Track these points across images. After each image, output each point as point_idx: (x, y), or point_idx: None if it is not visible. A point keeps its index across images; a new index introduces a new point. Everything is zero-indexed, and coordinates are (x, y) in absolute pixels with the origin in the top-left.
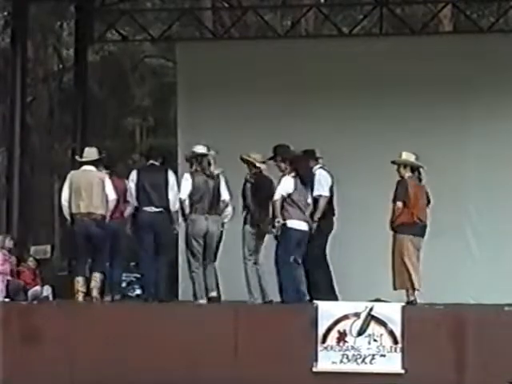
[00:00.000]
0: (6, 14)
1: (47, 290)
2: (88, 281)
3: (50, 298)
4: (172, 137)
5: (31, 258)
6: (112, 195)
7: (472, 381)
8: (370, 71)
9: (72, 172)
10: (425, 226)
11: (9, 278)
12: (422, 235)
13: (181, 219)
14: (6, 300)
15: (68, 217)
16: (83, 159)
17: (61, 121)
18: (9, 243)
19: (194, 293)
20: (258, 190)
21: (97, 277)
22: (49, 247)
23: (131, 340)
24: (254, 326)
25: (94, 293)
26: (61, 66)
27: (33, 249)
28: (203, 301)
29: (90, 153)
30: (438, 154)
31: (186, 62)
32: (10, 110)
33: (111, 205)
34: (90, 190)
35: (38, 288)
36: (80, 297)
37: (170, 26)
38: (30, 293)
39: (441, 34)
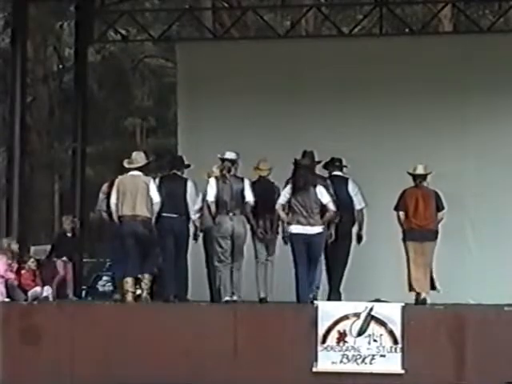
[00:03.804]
0: (6, 14)
1: (47, 291)
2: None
3: (50, 298)
4: (172, 137)
5: (32, 259)
6: (156, 198)
7: (472, 381)
8: (370, 71)
9: (120, 177)
10: (429, 231)
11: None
12: (425, 239)
13: (198, 227)
14: (6, 300)
15: (117, 220)
16: (130, 165)
17: (61, 121)
18: (14, 246)
19: (213, 292)
20: (256, 195)
21: (146, 278)
22: (49, 247)
23: (131, 340)
24: (254, 326)
25: (144, 294)
26: (61, 66)
27: (33, 249)
28: (229, 298)
29: (137, 158)
30: (437, 154)
31: (186, 62)
32: (10, 109)
33: (156, 207)
34: (136, 194)
35: (38, 289)
36: (129, 297)
37: (170, 26)
38: (30, 293)
39: (441, 33)
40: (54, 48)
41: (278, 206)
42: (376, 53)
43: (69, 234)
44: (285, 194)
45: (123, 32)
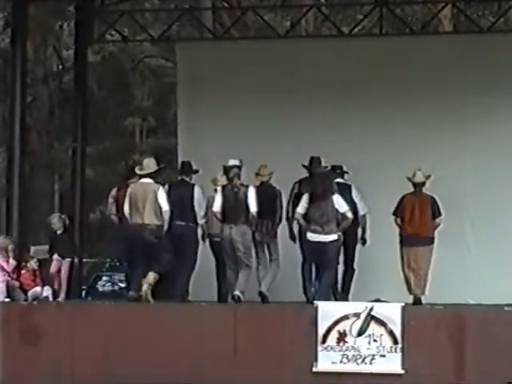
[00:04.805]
0: (6, 14)
1: (47, 291)
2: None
3: (50, 298)
4: (172, 137)
5: (35, 259)
6: (165, 207)
7: (472, 381)
8: (370, 71)
9: (132, 185)
10: (424, 237)
11: (8, 278)
12: (419, 245)
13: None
14: (6, 300)
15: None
16: (142, 172)
17: (61, 121)
18: (9, 245)
19: (220, 295)
20: (260, 200)
21: (148, 282)
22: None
23: (131, 340)
24: (254, 326)
25: (146, 296)
26: (61, 66)
27: (33, 249)
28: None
29: (148, 165)
30: (437, 154)
31: (186, 62)
32: (10, 109)
33: (166, 216)
34: (145, 202)
35: (38, 289)
36: (149, 296)
37: (170, 26)
38: (30, 293)
39: (441, 33)
40: (53, 48)
41: (297, 215)
42: (376, 53)
43: (59, 232)
44: (303, 204)
45: (123, 32)
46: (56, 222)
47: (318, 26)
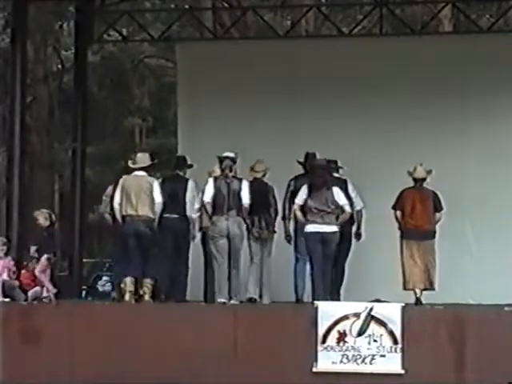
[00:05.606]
0: (6, 14)
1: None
2: (136, 282)
3: (52, 297)
4: (172, 137)
5: (35, 260)
6: (158, 199)
7: (472, 381)
8: (370, 71)
9: (124, 177)
10: (426, 231)
11: (5, 278)
12: (421, 239)
13: (197, 226)
14: (6, 300)
15: (120, 219)
16: (135, 165)
17: (61, 121)
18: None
19: (207, 292)
20: (253, 196)
21: (148, 282)
22: None
23: (131, 340)
24: (254, 326)
25: (146, 298)
26: (61, 66)
27: (33, 249)
28: (222, 299)
29: (142, 159)
30: (437, 153)
31: (186, 62)
32: (10, 110)
33: (157, 208)
34: (139, 194)
35: (38, 289)
36: (127, 296)
37: (170, 26)
38: (30, 293)
39: (441, 33)
40: (53, 48)
41: (295, 207)
42: (376, 53)
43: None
44: (302, 195)
45: (123, 32)
46: (41, 218)
47: (318, 26)
